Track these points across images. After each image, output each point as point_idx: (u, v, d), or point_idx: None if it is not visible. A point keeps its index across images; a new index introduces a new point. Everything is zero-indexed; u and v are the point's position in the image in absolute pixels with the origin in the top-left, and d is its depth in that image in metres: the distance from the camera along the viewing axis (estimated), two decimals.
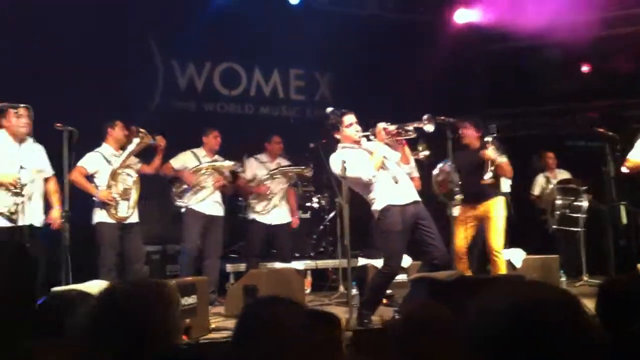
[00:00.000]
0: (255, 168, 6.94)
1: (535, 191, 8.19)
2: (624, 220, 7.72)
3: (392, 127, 4.96)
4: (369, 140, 5.08)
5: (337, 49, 8.33)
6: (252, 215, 6.86)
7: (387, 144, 4.98)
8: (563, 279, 6.83)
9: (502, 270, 5.83)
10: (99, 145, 5.94)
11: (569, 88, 8.35)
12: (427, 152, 5.35)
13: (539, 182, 8.19)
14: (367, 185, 4.91)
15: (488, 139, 5.89)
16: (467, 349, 1.25)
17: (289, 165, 7.04)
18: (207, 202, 6.48)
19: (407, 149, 5.09)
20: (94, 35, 7.04)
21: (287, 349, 1.70)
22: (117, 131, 5.93)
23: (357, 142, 5.05)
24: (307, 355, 1.75)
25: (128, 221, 5.83)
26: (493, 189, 5.97)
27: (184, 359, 1.90)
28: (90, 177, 5.82)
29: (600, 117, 7.69)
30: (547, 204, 7.79)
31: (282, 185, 6.93)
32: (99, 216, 5.79)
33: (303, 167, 6.95)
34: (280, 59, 8.69)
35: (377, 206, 4.90)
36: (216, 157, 6.66)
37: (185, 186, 6.47)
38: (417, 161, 5.76)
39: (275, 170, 6.90)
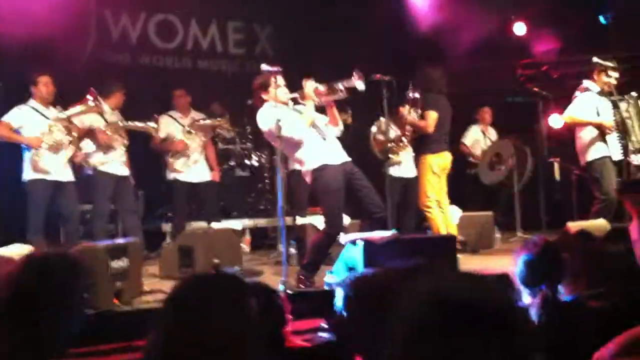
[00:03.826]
0: (169, 125, 6.68)
1: (467, 141, 8.02)
2: (557, 176, 7.93)
3: (322, 87, 4.76)
4: (297, 103, 4.90)
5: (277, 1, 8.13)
6: (172, 175, 6.63)
7: (316, 106, 4.82)
8: (497, 235, 6.97)
9: (437, 224, 5.95)
10: (26, 100, 5.68)
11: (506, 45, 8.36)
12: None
13: (473, 132, 8.07)
14: (297, 145, 4.77)
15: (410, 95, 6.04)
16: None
17: (204, 118, 6.80)
18: (115, 164, 6.09)
19: (335, 111, 4.93)
20: None
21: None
22: (40, 88, 5.64)
23: (285, 104, 4.89)
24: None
25: (62, 179, 5.62)
26: (419, 147, 6.27)
27: None
28: (16, 132, 5.60)
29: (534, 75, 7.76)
30: (485, 158, 7.80)
31: (199, 141, 6.68)
32: (30, 173, 5.55)
33: (219, 119, 6.73)
34: (217, 11, 8.42)
35: (309, 166, 4.77)
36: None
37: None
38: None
39: (191, 125, 6.66)
